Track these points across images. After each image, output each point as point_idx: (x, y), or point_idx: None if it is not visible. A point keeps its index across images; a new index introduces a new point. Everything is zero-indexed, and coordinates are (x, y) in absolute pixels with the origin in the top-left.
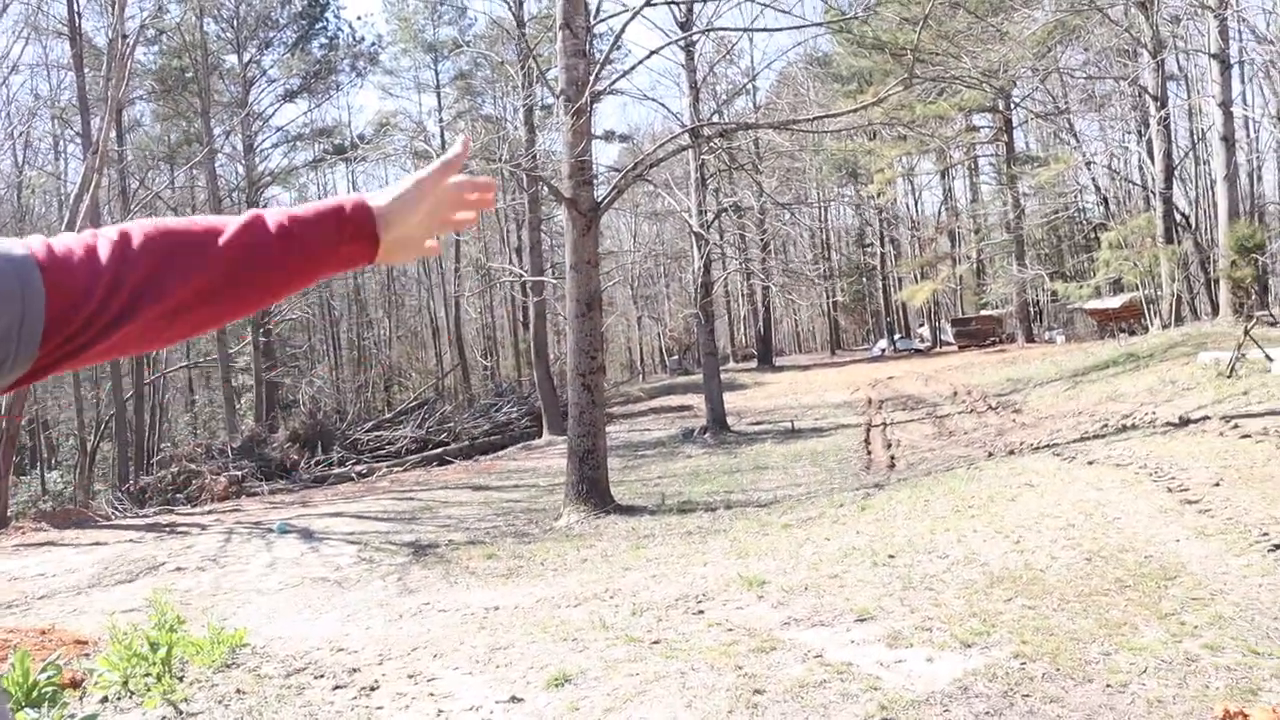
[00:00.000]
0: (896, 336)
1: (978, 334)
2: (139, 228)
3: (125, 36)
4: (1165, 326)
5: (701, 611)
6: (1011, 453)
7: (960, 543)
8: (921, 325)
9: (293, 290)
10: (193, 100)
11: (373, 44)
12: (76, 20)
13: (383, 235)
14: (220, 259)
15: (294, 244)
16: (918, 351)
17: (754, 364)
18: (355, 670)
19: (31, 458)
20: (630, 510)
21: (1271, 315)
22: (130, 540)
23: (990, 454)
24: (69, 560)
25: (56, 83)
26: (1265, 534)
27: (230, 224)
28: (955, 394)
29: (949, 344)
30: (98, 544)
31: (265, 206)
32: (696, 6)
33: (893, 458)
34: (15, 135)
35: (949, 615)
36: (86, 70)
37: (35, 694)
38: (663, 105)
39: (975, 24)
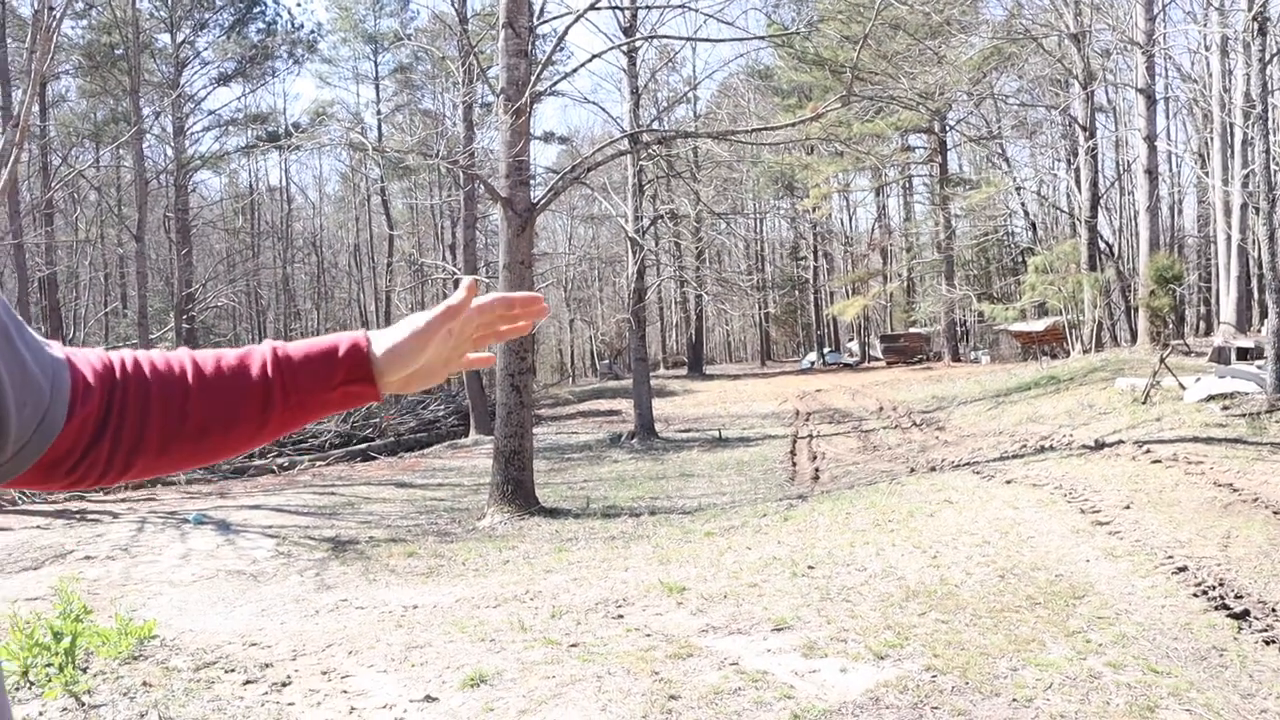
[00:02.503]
0: (826, 350)
1: (905, 351)
2: (133, 371)
3: (52, 8)
4: (1086, 351)
5: (621, 616)
6: (933, 469)
7: (879, 556)
8: (851, 340)
9: (285, 429)
10: (122, 78)
11: (312, 31)
12: None
13: (382, 378)
14: (203, 408)
15: (278, 388)
16: (846, 366)
17: (684, 371)
18: (268, 665)
19: None
20: (554, 513)
21: (1186, 345)
22: (37, 526)
23: (913, 470)
24: None
25: None
26: (1170, 557)
27: (219, 363)
28: (881, 409)
29: (877, 360)
30: (2, 529)
31: (194, 189)
32: (640, 13)
33: (817, 470)
34: None
35: (864, 627)
36: (10, 40)
37: None
38: (603, 109)
39: (914, 46)
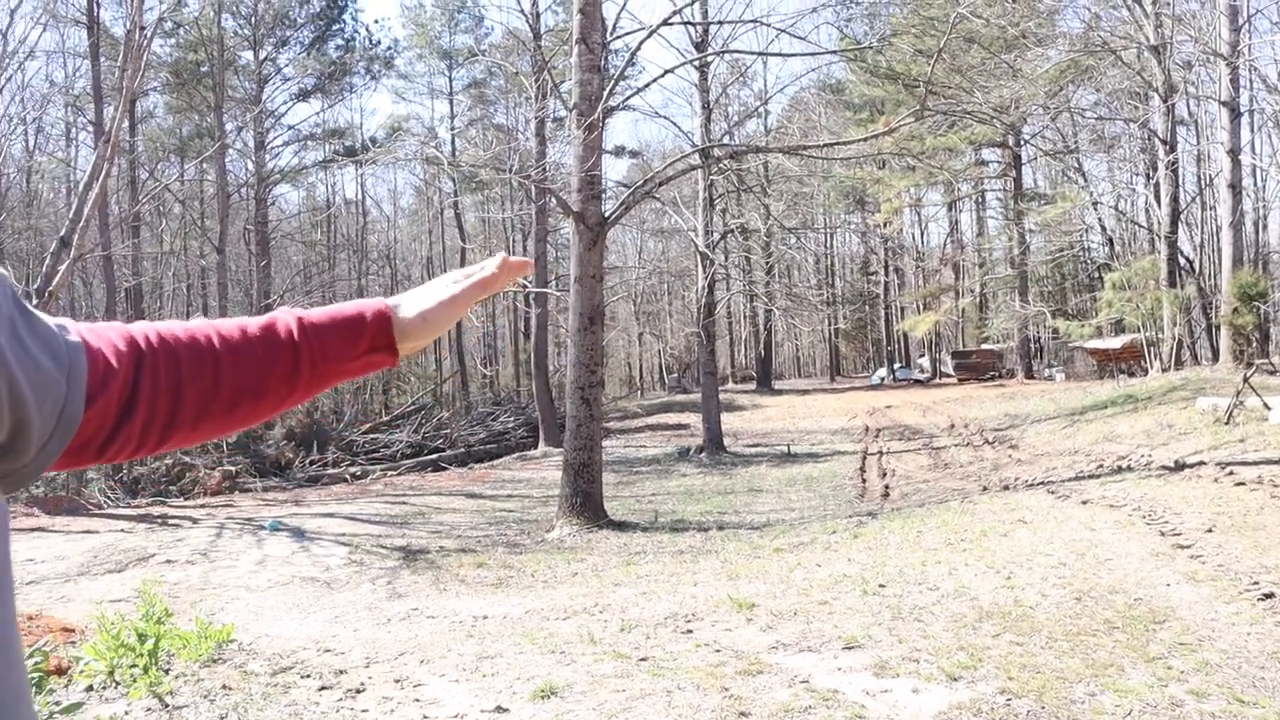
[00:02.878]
0: (896, 366)
1: (978, 367)
2: (159, 345)
3: (143, 28)
4: (1165, 370)
5: (690, 631)
6: (1006, 488)
7: (951, 575)
8: (922, 356)
9: (306, 397)
10: (206, 95)
11: (388, 48)
12: (95, 9)
13: (402, 344)
14: (235, 378)
15: (305, 356)
16: (917, 382)
17: (753, 386)
18: (342, 672)
19: None
20: (623, 526)
21: (1271, 364)
22: (121, 530)
23: (985, 488)
24: (59, 547)
25: (72, 70)
26: (1255, 582)
27: (245, 333)
28: (952, 426)
29: (948, 376)
30: (88, 532)
31: (273, 203)
32: (713, 28)
33: (887, 487)
34: (28, 120)
35: (937, 647)
36: (102, 59)
37: None
38: (674, 123)
39: (989, 59)
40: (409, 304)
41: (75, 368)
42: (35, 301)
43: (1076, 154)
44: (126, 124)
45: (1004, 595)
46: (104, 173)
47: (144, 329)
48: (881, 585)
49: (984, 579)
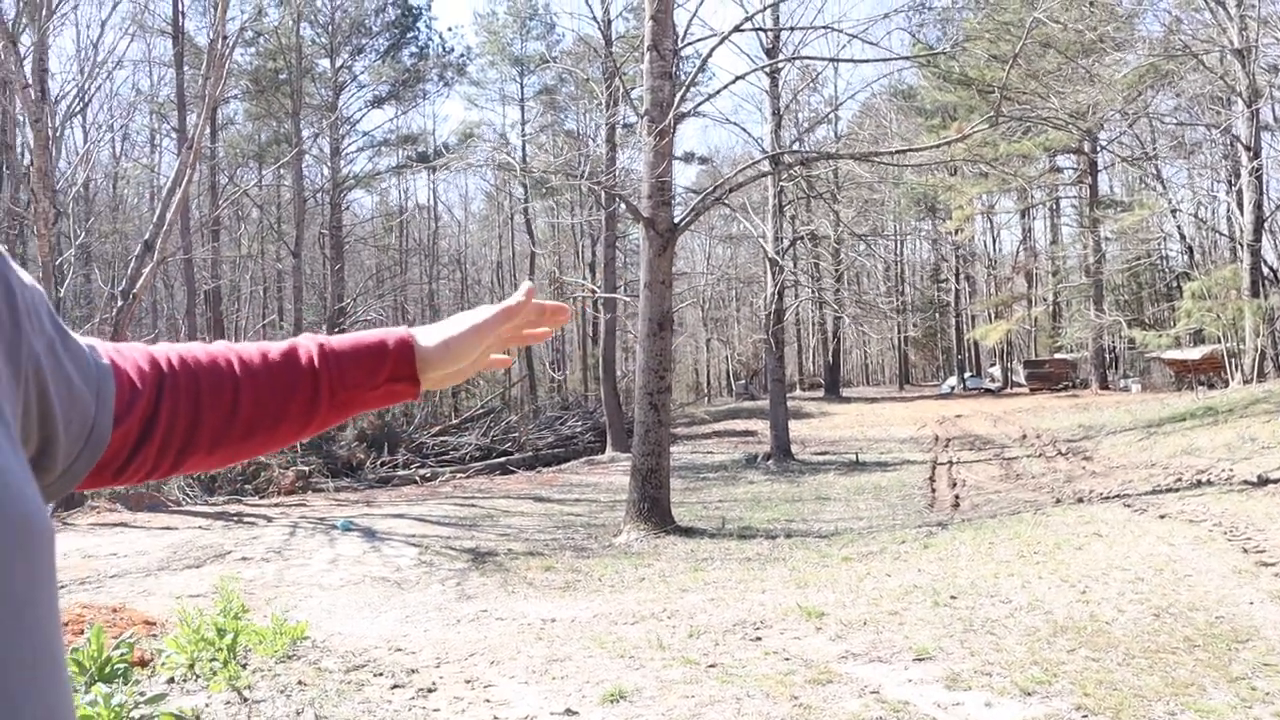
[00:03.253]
0: (967, 375)
1: (1050, 377)
2: (180, 368)
3: (225, 37)
4: (1247, 382)
5: (759, 638)
6: (1080, 500)
7: (1024, 588)
8: (993, 365)
9: (326, 425)
10: (285, 102)
11: (461, 55)
12: (180, 19)
13: (424, 375)
14: (253, 404)
15: (325, 383)
16: (988, 391)
17: (821, 393)
18: (413, 671)
19: None
20: (690, 532)
21: None
22: (199, 527)
23: (1058, 500)
24: (140, 542)
25: (157, 79)
26: None
27: (266, 358)
28: (1024, 437)
29: (1020, 385)
30: (168, 528)
31: (347, 207)
32: (783, 34)
33: (957, 497)
34: (116, 128)
35: (1010, 661)
36: (186, 68)
37: (108, 669)
38: (744, 129)
39: (1065, 64)
40: (432, 333)
41: (104, 389)
42: (121, 303)
43: (1155, 160)
44: (208, 131)
45: (1079, 610)
46: (186, 178)
47: (166, 351)
48: (953, 597)
49: (1058, 593)
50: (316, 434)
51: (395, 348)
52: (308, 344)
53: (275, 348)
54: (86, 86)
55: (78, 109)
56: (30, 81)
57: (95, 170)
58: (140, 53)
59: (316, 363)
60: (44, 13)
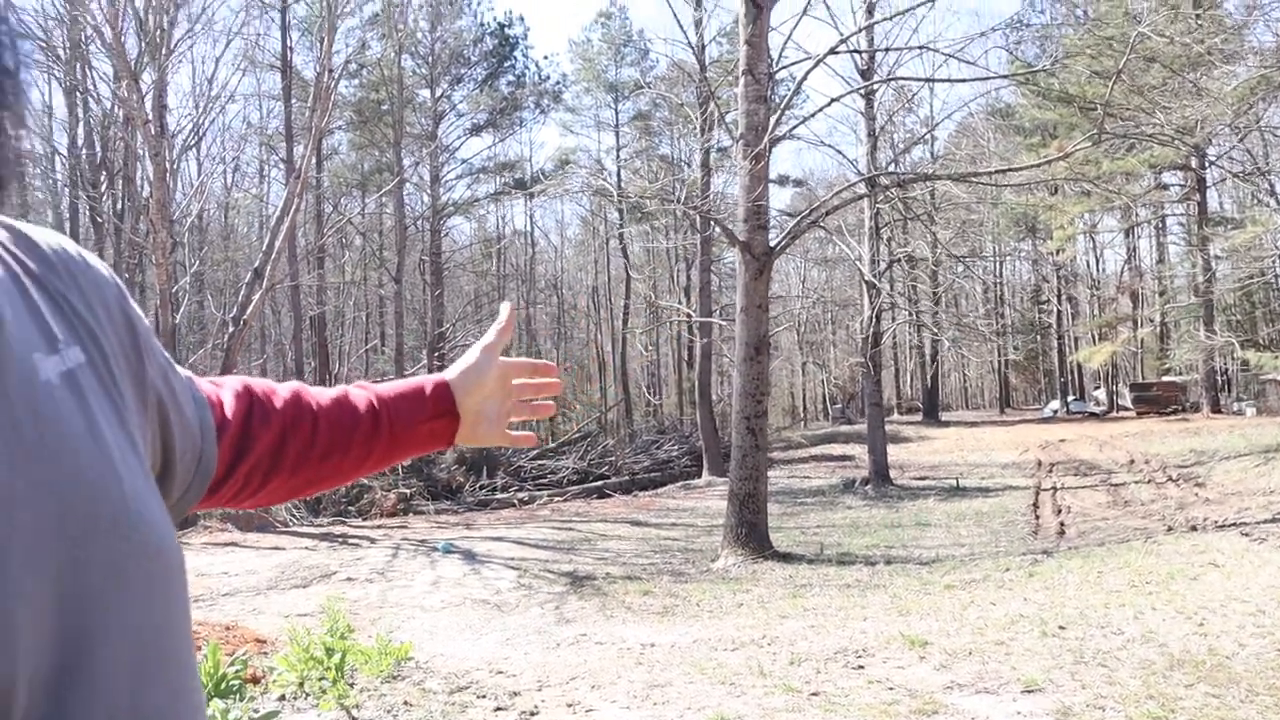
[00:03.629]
0: (1070, 398)
1: (1158, 400)
2: (265, 399)
3: (331, 71)
4: None
5: (861, 667)
6: (1194, 529)
7: (1137, 620)
8: (1097, 388)
9: (380, 463)
10: (387, 131)
11: (557, 82)
12: (288, 55)
13: (461, 405)
14: (329, 435)
15: (385, 420)
16: (1092, 415)
17: (919, 417)
18: (515, 694)
19: None
20: (788, 557)
21: None
22: (305, 548)
23: (1170, 528)
24: (250, 562)
25: (266, 112)
26: None
27: (334, 397)
28: (1132, 462)
29: (1126, 409)
30: (276, 548)
31: (446, 234)
32: (878, 55)
33: (1062, 524)
34: (227, 160)
35: (1124, 695)
36: (294, 101)
37: (224, 685)
38: (838, 151)
39: (1171, 79)
40: (453, 369)
41: (205, 421)
42: (232, 329)
43: (1268, 175)
44: (314, 161)
45: (1196, 643)
46: (294, 208)
47: (252, 383)
48: (1061, 627)
49: (1173, 624)
50: (373, 472)
51: (433, 387)
52: (356, 390)
53: (329, 390)
54: (201, 121)
55: (193, 142)
56: (150, 117)
57: (208, 201)
58: (251, 87)
59: (375, 402)
60: (164, 51)
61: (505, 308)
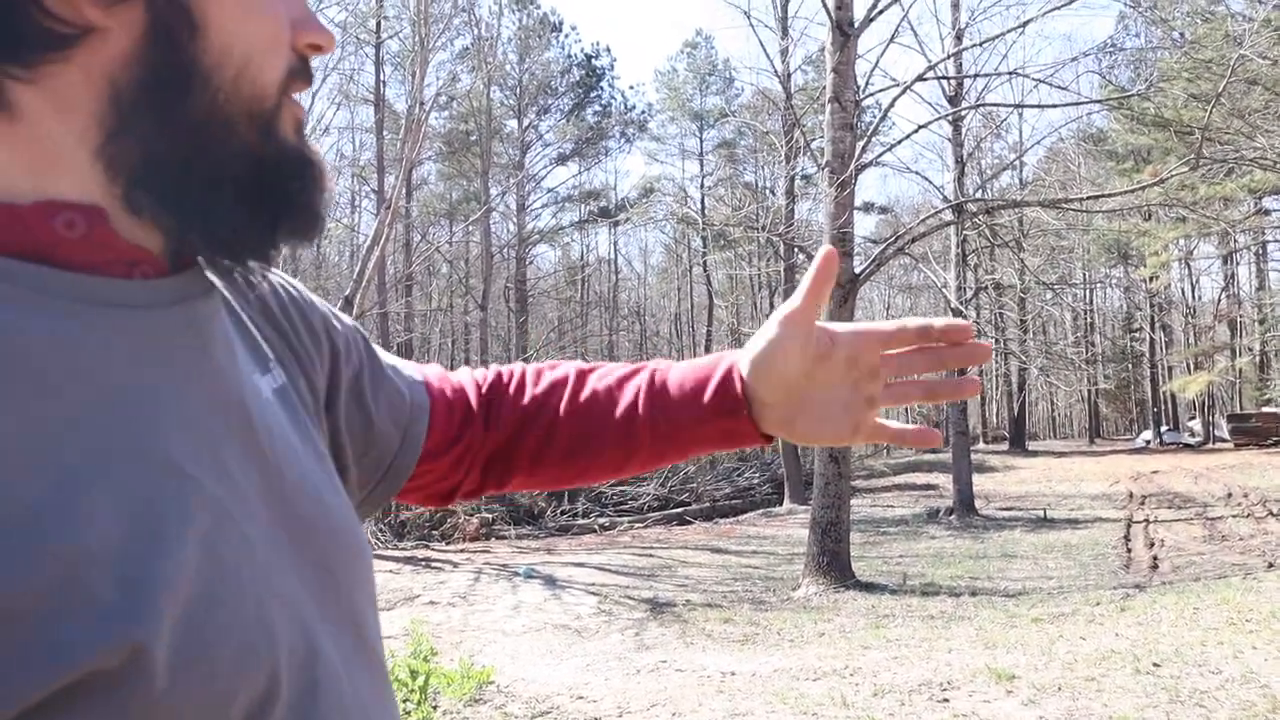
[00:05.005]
0: (1163, 429)
1: (1258, 432)
2: (516, 391)
3: (423, 103)
4: None
5: (946, 700)
6: None
7: (1236, 659)
8: (1192, 418)
9: (664, 462)
10: (475, 161)
11: (642, 112)
12: (381, 89)
13: (756, 402)
14: (573, 437)
15: (649, 426)
16: (1187, 446)
17: (1005, 446)
18: None
19: None
20: (870, 587)
21: None
22: (390, 571)
23: (1271, 565)
24: None
25: (358, 144)
26: None
27: (602, 387)
28: (1230, 495)
29: (1223, 440)
30: None
31: (531, 262)
32: (966, 81)
33: (1155, 558)
34: None
35: None
36: (385, 133)
37: None
38: (924, 178)
39: (1273, 101)
40: (747, 348)
41: (413, 429)
42: None
43: None
44: (404, 191)
45: None
46: (385, 237)
47: (500, 371)
48: (1155, 664)
49: (1275, 665)
50: (649, 470)
51: (718, 382)
52: (644, 376)
53: (614, 374)
54: None
55: None
56: None
57: None
58: (345, 120)
59: (642, 398)
60: None
61: (822, 251)
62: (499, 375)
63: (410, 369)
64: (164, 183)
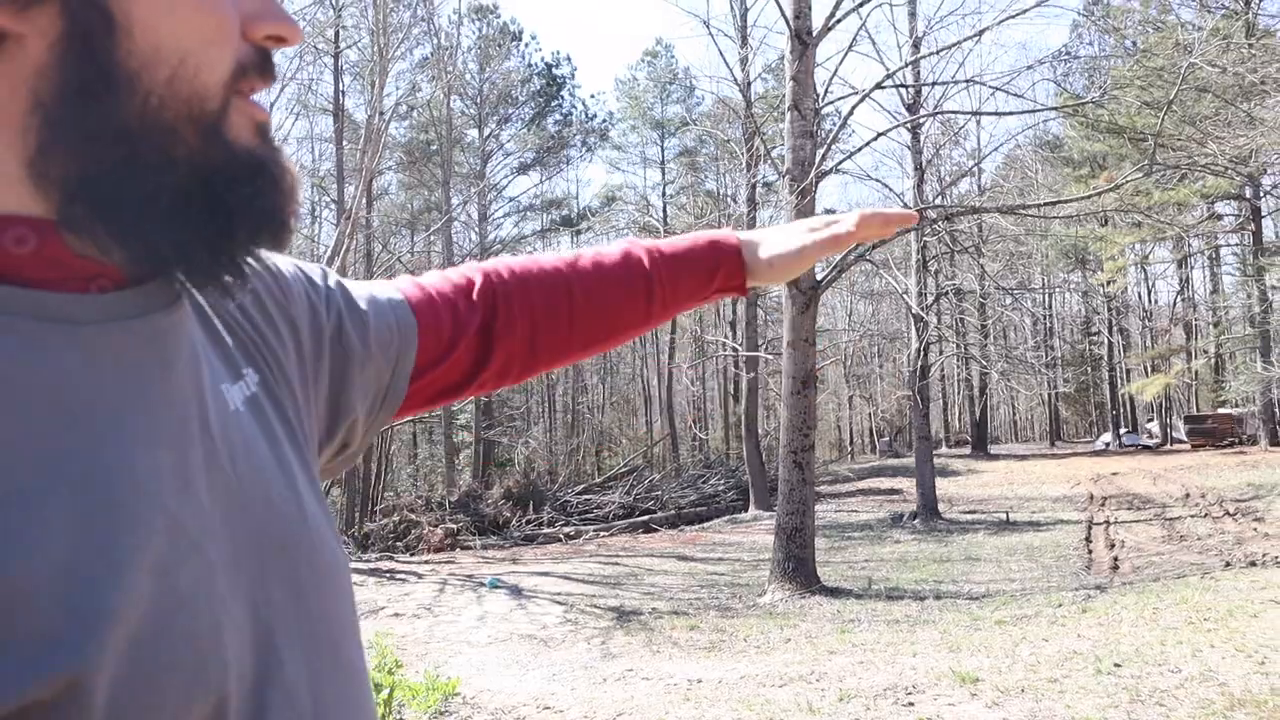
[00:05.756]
0: (1122, 431)
1: (1214, 433)
2: (504, 268)
3: (382, 113)
4: None
5: (912, 704)
6: (1253, 564)
7: (1195, 657)
8: (1150, 420)
9: (658, 323)
10: (435, 171)
11: (603, 120)
12: (340, 98)
13: (749, 281)
14: (588, 309)
15: (660, 290)
16: (1145, 448)
17: (968, 450)
18: None
19: None
20: (835, 592)
21: None
22: (354, 583)
23: (1228, 564)
24: None
25: (318, 154)
26: None
27: (602, 265)
28: (1187, 496)
29: (1181, 442)
30: None
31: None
32: (924, 89)
33: (1116, 559)
34: None
35: None
36: (345, 143)
37: None
38: (884, 185)
39: (1223, 108)
40: (761, 246)
41: (404, 352)
42: None
43: None
44: (365, 201)
45: (1257, 682)
46: (345, 248)
47: (498, 266)
48: (1116, 664)
49: (1233, 663)
50: (654, 328)
51: (724, 260)
52: (639, 250)
53: (611, 253)
54: None
55: None
56: None
57: None
58: (304, 130)
59: (648, 266)
60: None
61: (853, 215)
62: (495, 268)
63: (388, 290)
64: (98, 196)
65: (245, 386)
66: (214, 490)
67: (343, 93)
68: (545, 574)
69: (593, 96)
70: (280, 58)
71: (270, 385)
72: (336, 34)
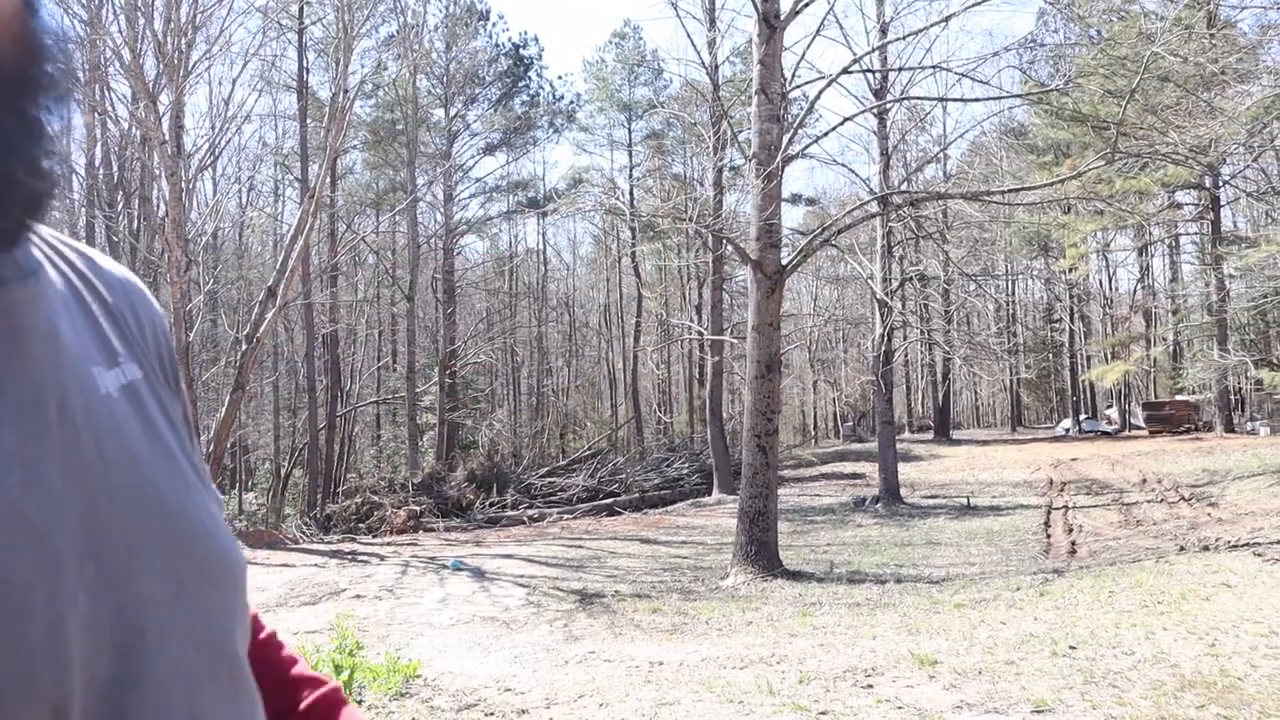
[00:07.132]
0: (1082, 417)
1: (1171, 420)
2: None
3: (346, 91)
4: None
5: (870, 686)
6: (1206, 549)
7: (1148, 640)
8: (1109, 407)
9: None
10: (401, 151)
11: (571, 102)
12: (304, 75)
13: None
14: None
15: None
16: (1104, 434)
17: (930, 436)
18: (523, 712)
19: (231, 479)
20: (797, 576)
21: None
22: (315, 565)
23: (1182, 548)
24: (259, 579)
25: (281, 132)
26: None
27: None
28: (1144, 481)
29: (1139, 428)
30: (286, 565)
31: (459, 252)
32: (891, 74)
33: (1074, 543)
34: (243, 179)
35: (1135, 716)
36: (309, 121)
37: None
38: (851, 170)
39: (1184, 98)
40: None
41: None
42: (245, 347)
43: None
44: (329, 180)
45: (1207, 664)
46: (308, 226)
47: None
48: (1072, 647)
49: (1184, 645)
50: None
51: None
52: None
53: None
54: (217, 141)
55: (209, 162)
56: (167, 137)
57: (223, 220)
58: (267, 107)
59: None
60: (181, 72)
61: None
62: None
63: None
64: None
65: (121, 374)
66: (69, 475)
67: (307, 69)
68: (508, 556)
69: (560, 78)
70: (244, 33)
71: (152, 383)
72: (301, 9)
